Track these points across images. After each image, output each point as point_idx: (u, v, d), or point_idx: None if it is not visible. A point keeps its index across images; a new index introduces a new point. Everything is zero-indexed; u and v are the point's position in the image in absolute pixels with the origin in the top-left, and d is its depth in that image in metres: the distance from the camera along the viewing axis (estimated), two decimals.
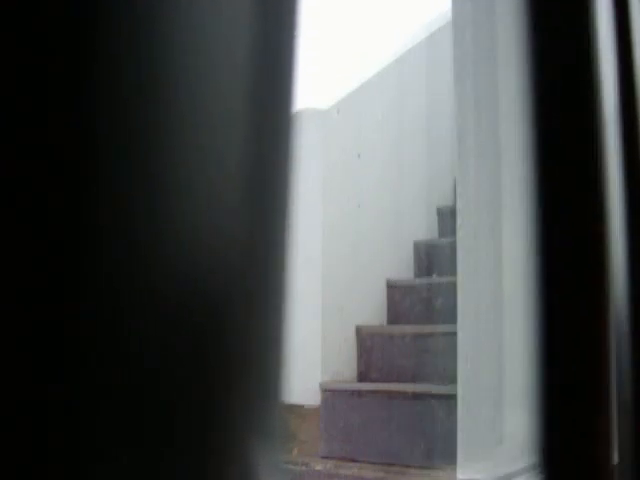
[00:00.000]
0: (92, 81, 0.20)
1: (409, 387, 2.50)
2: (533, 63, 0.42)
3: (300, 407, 2.50)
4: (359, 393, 2.57)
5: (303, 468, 2.41)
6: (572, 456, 0.48)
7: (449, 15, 2.12)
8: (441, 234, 3.19)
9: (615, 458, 0.59)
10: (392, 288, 2.94)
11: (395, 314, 2.91)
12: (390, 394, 2.50)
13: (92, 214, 0.20)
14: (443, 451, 2.17)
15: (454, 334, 1.91)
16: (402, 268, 3.05)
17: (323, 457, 2.50)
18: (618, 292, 0.64)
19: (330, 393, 2.60)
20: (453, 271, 1.97)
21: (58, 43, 0.20)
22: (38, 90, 0.19)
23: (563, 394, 0.47)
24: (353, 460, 2.46)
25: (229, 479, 0.23)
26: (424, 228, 3.21)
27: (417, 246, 3.12)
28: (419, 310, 2.83)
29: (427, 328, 2.66)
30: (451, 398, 1.98)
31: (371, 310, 2.88)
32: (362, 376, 2.75)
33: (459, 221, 1.91)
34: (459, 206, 1.91)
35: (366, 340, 2.78)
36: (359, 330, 2.80)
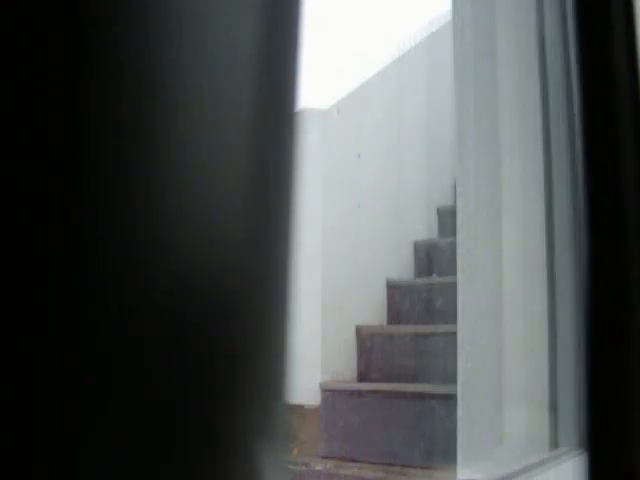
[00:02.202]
0: (91, 80, 0.20)
1: (409, 387, 2.50)
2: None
3: (300, 407, 2.50)
4: (359, 393, 2.57)
5: (303, 468, 2.41)
6: (610, 439, 0.48)
7: (449, 15, 2.12)
8: (441, 234, 3.20)
9: None
10: (392, 288, 2.94)
11: (395, 314, 2.91)
12: (390, 394, 2.50)
13: (91, 213, 0.20)
14: (443, 451, 2.17)
15: (454, 334, 1.91)
16: (402, 268, 3.05)
17: (323, 457, 2.50)
18: None
19: (330, 393, 2.60)
20: (453, 271, 1.97)
21: (56, 41, 0.20)
22: (36, 90, 0.20)
23: (604, 389, 0.48)
24: (353, 460, 2.46)
25: (232, 479, 0.23)
26: (424, 228, 3.21)
27: (417, 246, 3.12)
28: (419, 310, 2.83)
29: (427, 328, 2.66)
30: (451, 398, 1.98)
31: (371, 310, 2.88)
32: (362, 376, 2.75)
33: (459, 221, 1.91)
34: (459, 206, 1.91)
35: (366, 340, 2.78)
36: (359, 330, 2.80)
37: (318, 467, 2.44)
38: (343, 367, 2.74)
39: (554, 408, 1.80)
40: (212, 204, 0.23)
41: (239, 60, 0.24)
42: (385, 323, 2.92)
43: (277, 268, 0.25)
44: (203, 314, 0.22)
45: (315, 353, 2.61)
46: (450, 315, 2.01)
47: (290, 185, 0.26)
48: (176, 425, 0.22)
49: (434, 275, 2.97)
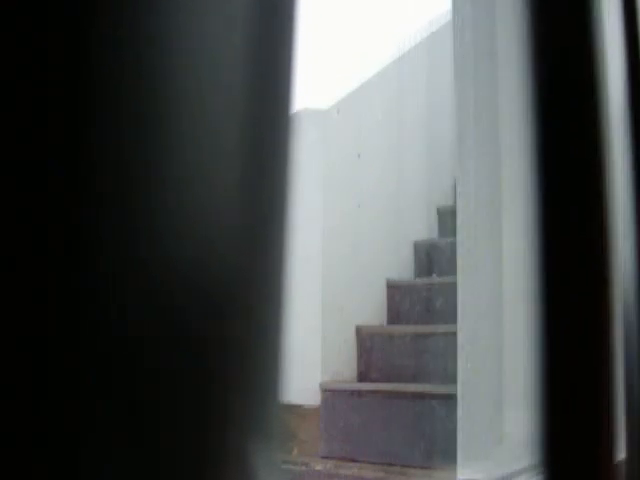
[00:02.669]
0: (91, 80, 0.20)
1: (409, 387, 2.50)
2: (535, 61, 0.42)
3: (300, 407, 2.50)
4: (359, 393, 2.56)
5: (303, 468, 2.41)
6: (573, 455, 0.48)
7: (449, 15, 2.12)
8: (441, 234, 3.20)
9: (619, 455, 0.58)
10: (392, 288, 2.94)
11: (395, 314, 2.91)
12: (390, 394, 2.50)
13: (91, 213, 0.20)
14: (443, 451, 2.17)
15: (454, 334, 1.91)
16: (402, 268, 3.05)
17: (323, 457, 2.50)
18: (627, 291, 0.64)
19: (330, 393, 2.60)
20: (453, 271, 1.97)
21: (56, 41, 0.20)
22: (36, 90, 0.20)
23: (565, 393, 0.47)
24: (353, 460, 2.45)
25: (228, 479, 0.23)
26: (424, 228, 3.21)
27: (417, 246, 3.12)
28: (419, 310, 2.83)
29: (427, 328, 2.66)
30: (451, 398, 1.98)
31: (371, 310, 2.88)
32: (362, 376, 2.75)
33: (459, 221, 1.91)
34: (459, 206, 1.91)
35: (366, 340, 2.78)
36: (359, 330, 2.80)
37: (318, 467, 2.44)
38: (343, 367, 2.73)
39: None
40: (210, 204, 0.23)
41: (235, 62, 0.24)
42: (385, 323, 2.92)
43: (273, 268, 0.25)
44: (202, 314, 0.22)
45: (315, 353, 2.61)
46: (450, 315, 2.01)
47: (286, 185, 0.26)
48: (173, 425, 0.22)
49: (434, 275, 2.96)
